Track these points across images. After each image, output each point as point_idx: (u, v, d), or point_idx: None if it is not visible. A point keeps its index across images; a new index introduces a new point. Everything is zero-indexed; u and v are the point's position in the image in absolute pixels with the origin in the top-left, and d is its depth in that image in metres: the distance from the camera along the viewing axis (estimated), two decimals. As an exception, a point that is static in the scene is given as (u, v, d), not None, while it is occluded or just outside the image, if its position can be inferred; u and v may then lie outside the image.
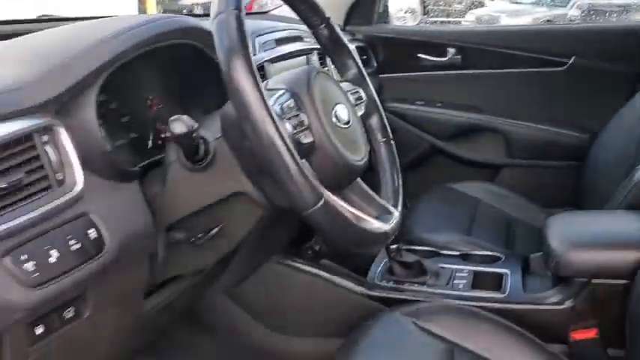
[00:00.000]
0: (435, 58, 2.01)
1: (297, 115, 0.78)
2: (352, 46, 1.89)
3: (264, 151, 0.71)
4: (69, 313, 0.73)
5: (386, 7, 2.13)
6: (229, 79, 0.71)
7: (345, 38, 1.03)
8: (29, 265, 0.65)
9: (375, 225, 0.82)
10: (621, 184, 1.30)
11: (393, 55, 2.08)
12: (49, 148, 0.71)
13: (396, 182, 0.99)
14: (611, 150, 1.55)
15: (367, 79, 1.03)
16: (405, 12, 2.31)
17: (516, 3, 10.12)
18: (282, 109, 0.77)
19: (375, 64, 2.05)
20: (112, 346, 0.90)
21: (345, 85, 0.98)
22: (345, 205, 0.76)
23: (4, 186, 0.65)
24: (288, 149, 0.70)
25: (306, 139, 0.77)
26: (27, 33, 1.00)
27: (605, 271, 1.08)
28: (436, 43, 2.01)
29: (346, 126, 0.85)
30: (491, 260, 1.32)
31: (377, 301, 1.22)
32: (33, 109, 0.71)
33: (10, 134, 0.67)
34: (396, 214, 0.90)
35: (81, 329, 0.77)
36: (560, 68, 1.87)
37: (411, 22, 2.29)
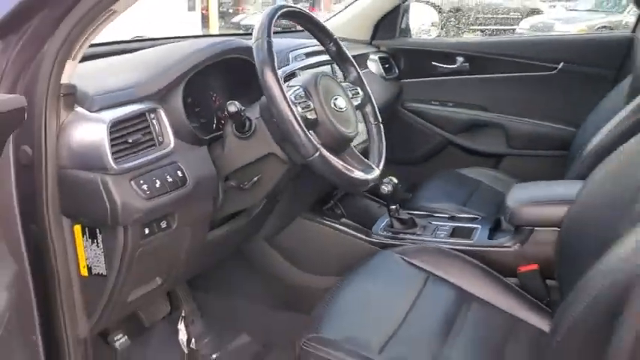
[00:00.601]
0: (446, 66, 2.36)
1: (305, 101, 1.17)
2: (375, 57, 2.27)
3: (283, 124, 1.10)
4: (163, 224, 1.12)
5: (407, 24, 2.48)
6: (262, 80, 1.11)
7: (349, 52, 1.40)
8: (145, 187, 1.05)
9: (359, 174, 1.21)
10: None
11: (412, 64, 2.43)
12: (154, 122, 1.11)
13: (381, 151, 1.35)
14: (589, 138, 1.84)
15: (364, 80, 1.41)
16: (430, 25, 2.72)
17: (573, 10, 9.92)
18: (295, 97, 1.17)
19: (397, 71, 2.40)
20: (186, 258, 1.25)
21: (346, 85, 1.37)
22: (336, 159, 1.16)
23: (130, 141, 1.06)
24: (297, 121, 1.10)
25: (311, 116, 1.17)
26: (126, 50, 1.42)
27: (543, 221, 1.40)
28: (447, 53, 2.36)
29: (342, 110, 1.23)
30: (471, 220, 1.67)
31: (377, 246, 1.58)
32: (145, 97, 1.12)
33: (134, 111, 1.08)
34: (377, 170, 1.29)
35: (169, 237, 1.16)
36: (550, 72, 2.20)
37: (434, 33, 2.69)
